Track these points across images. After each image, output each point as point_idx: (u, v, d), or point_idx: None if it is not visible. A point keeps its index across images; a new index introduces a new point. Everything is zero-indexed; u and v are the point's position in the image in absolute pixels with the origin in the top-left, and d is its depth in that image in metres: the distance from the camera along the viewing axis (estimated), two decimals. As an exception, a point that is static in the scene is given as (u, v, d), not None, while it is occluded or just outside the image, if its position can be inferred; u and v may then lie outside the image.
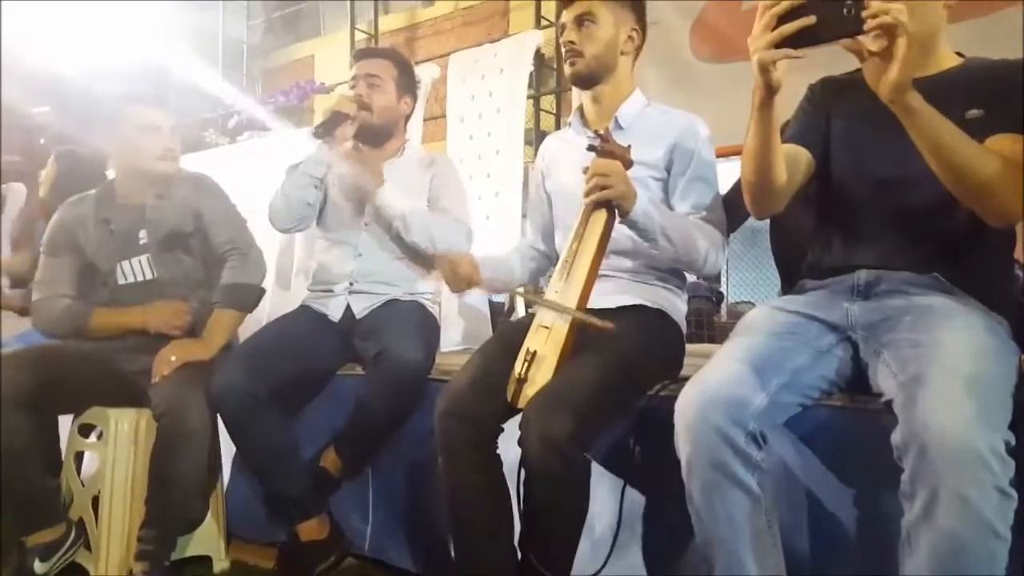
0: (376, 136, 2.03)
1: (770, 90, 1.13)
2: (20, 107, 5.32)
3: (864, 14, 1.01)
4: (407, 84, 2.09)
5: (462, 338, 2.66)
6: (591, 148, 1.36)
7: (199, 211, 1.95)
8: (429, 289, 2.03)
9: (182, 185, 1.98)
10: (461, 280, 1.55)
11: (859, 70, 1.34)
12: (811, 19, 1.05)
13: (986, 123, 1.17)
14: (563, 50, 1.58)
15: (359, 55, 2.13)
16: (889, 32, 1.02)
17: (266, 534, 1.96)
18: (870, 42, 1.05)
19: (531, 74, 3.92)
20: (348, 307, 1.93)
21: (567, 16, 1.57)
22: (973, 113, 1.19)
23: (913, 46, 1.02)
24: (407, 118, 2.13)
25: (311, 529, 1.76)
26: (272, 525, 1.89)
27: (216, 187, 2.04)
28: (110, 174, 2.06)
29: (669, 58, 3.39)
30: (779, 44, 1.08)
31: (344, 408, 1.80)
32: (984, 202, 1.13)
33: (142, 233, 1.94)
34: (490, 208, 3.42)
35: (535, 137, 3.99)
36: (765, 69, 1.10)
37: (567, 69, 1.58)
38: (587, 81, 1.58)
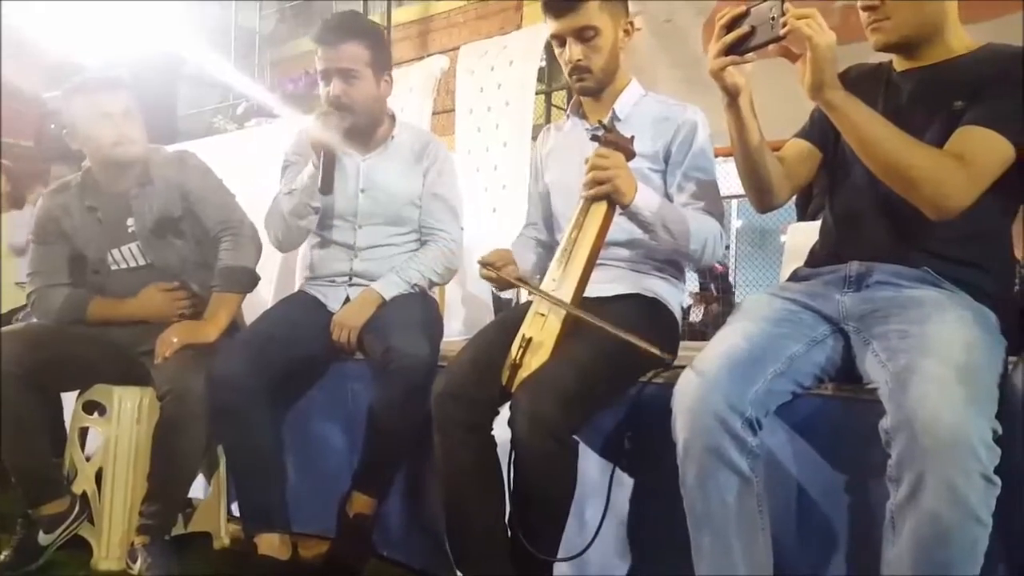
0: (363, 132, 1.89)
1: (729, 94, 1.24)
2: (35, 93, 5.39)
3: (782, 20, 1.13)
4: (383, 60, 1.86)
5: (464, 327, 2.68)
6: (595, 138, 1.35)
7: (185, 192, 1.92)
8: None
9: (165, 167, 1.94)
10: (505, 280, 1.47)
11: (881, 64, 1.34)
12: (746, 28, 1.18)
13: (963, 114, 1.18)
14: (566, 67, 1.50)
15: (323, 39, 1.80)
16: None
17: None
18: (795, 46, 1.16)
19: (542, 69, 3.91)
20: (348, 299, 1.89)
21: (562, 28, 1.48)
22: (958, 104, 1.19)
23: (821, 50, 1.12)
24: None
25: (271, 544, 1.69)
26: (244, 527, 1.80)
27: (200, 164, 1.99)
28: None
29: (682, 56, 3.37)
30: (727, 52, 1.20)
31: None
32: (913, 194, 1.15)
33: (130, 221, 1.92)
34: (497, 201, 3.42)
35: (546, 132, 3.99)
36: (717, 76, 1.22)
37: (574, 84, 1.52)
38: (597, 92, 1.56)
